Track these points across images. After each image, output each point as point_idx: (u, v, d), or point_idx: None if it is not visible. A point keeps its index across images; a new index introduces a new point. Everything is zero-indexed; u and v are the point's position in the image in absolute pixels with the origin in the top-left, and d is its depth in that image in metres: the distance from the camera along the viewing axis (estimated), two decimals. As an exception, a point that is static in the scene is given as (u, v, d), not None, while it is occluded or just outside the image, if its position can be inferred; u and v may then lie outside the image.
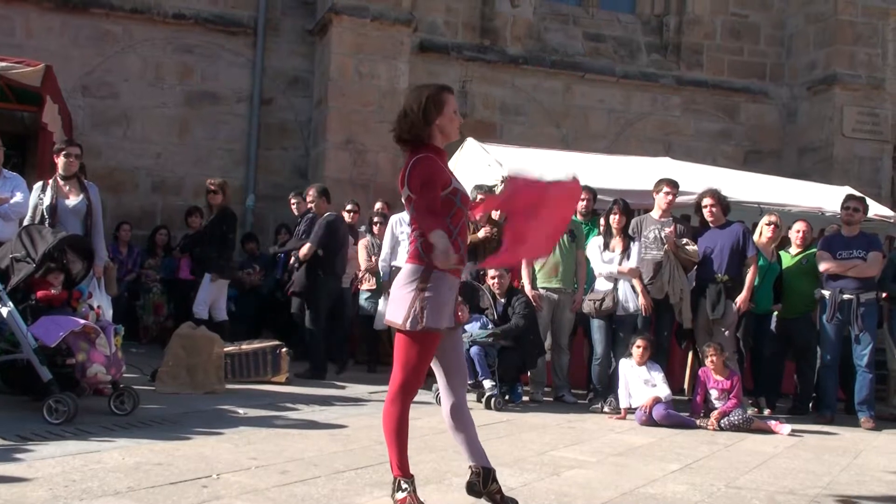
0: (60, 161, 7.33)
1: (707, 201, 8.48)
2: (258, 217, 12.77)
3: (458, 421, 4.16)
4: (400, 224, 9.29)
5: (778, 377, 9.20)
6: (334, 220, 9.11)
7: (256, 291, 11.57)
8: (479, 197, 8.67)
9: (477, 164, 9.93)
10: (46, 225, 6.88)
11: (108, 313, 6.97)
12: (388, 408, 4.11)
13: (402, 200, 4.11)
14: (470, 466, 4.20)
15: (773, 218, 9.05)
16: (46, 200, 7.22)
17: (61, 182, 7.33)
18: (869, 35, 14.54)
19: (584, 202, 8.84)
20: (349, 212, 10.73)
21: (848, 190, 9.91)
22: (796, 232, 9.17)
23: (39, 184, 7.38)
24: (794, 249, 9.15)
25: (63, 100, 10.30)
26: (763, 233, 8.89)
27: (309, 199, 9.39)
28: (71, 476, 4.32)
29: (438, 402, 7.55)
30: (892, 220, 10.48)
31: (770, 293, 8.94)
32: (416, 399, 8.16)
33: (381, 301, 9.54)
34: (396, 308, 4.00)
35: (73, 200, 7.32)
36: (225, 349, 8.10)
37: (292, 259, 10.78)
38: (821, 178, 13.25)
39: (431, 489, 4.59)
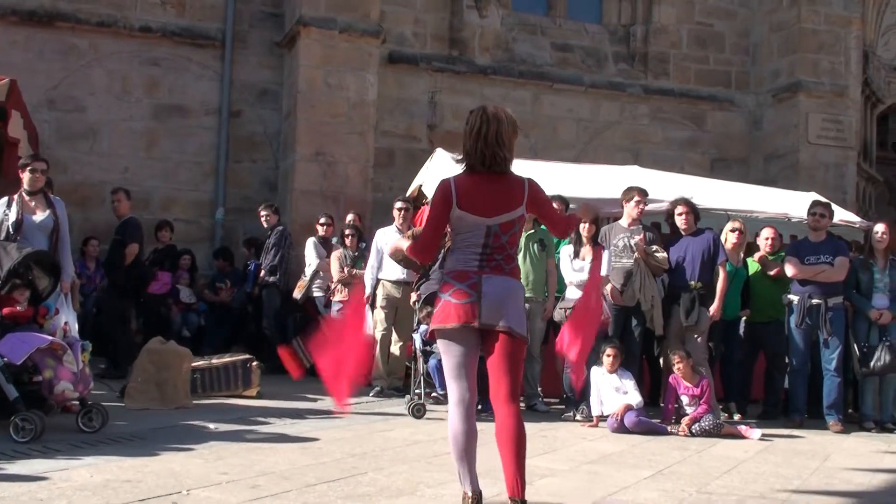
0: (26, 176, 7.24)
1: (681, 209, 8.57)
2: (228, 230, 12.69)
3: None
4: (384, 236, 9.29)
5: (747, 382, 9.29)
6: (137, 220, 9.83)
7: (227, 306, 11.50)
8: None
9: (445, 175, 9.92)
10: (12, 241, 6.80)
11: (75, 329, 6.89)
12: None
13: (509, 219, 4.12)
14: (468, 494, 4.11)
15: (737, 224, 9.14)
16: (12, 216, 7.13)
17: (27, 197, 7.24)
18: (832, 43, 14.74)
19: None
20: (322, 225, 10.72)
21: (814, 196, 10.02)
22: (765, 239, 9.26)
23: (5, 199, 7.28)
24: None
25: (28, 114, 10.19)
26: (728, 239, 8.96)
27: (116, 201, 9.74)
28: (38, 495, 4.27)
29: (412, 413, 7.62)
30: (857, 226, 10.60)
31: (738, 299, 9.02)
32: (388, 410, 8.17)
33: (366, 313, 9.50)
34: (519, 317, 4.12)
35: (39, 216, 7.24)
36: (195, 363, 8.06)
37: (262, 272, 10.79)
38: (787, 184, 13.40)
39: (404, 500, 4.59)
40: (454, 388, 4.15)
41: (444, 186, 4.21)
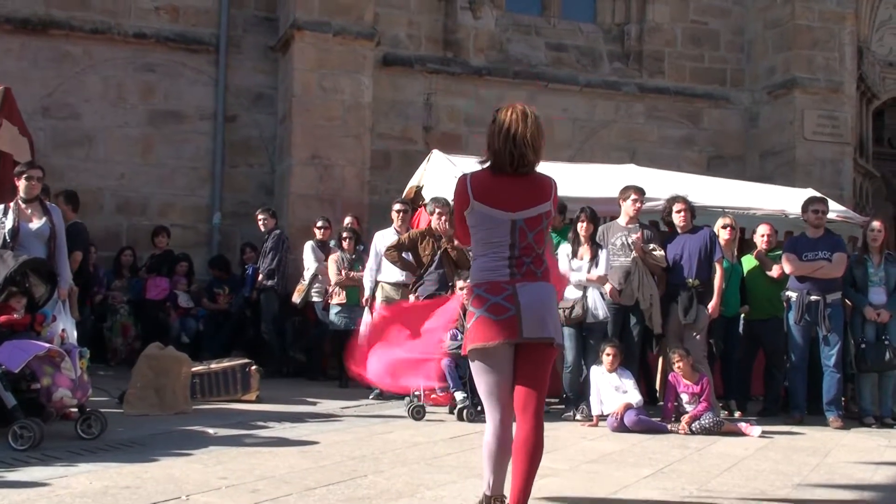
0: (22, 184, 7.22)
1: (679, 206, 8.57)
2: (225, 235, 12.68)
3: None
4: (383, 239, 9.30)
5: (747, 379, 9.29)
6: (81, 225, 9.26)
7: (225, 311, 11.49)
8: (437, 210, 8.72)
9: (443, 177, 9.93)
10: (8, 249, 6.78)
11: (73, 336, 6.88)
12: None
13: (534, 214, 3.97)
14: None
15: (727, 220, 9.16)
16: (8, 224, 7.11)
17: (23, 205, 7.23)
18: (826, 39, 14.74)
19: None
20: (320, 228, 10.74)
21: (811, 192, 10.02)
22: (761, 236, 9.27)
23: (0, 207, 7.28)
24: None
25: (23, 122, 10.17)
26: (720, 235, 8.96)
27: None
28: (37, 503, 4.25)
29: (411, 415, 7.61)
30: (853, 221, 10.60)
31: (737, 295, 9.03)
32: (388, 413, 8.16)
33: (365, 316, 9.51)
34: (556, 324, 4.00)
35: (35, 223, 7.22)
36: (194, 369, 8.04)
37: (260, 277, 10.79)
38: (784, 181, 13.41)
39: (404, 502, 4.58)
40: (492, 404, 3.98)
41: (460, 183, 4.04)
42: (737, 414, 8.76)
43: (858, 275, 8.63)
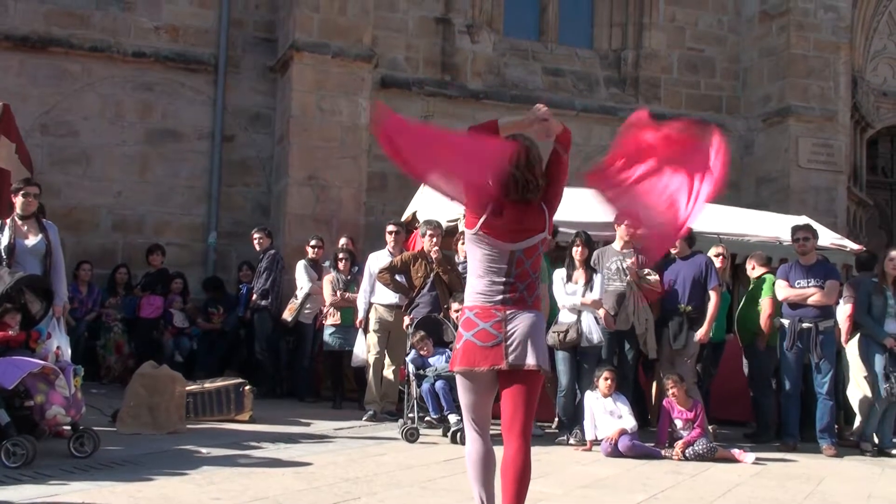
0: (18, 201, 7.25)
1: (672, 233, 8.59)
2: (221, 254, 12.67)
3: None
4: (377, 260, 9.32)
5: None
6: None
7: (219, 331, 11.47)
8: (429, 232, 8.74)
9: (440, 200, 9.94)
10: (4, 265, 6.78)
11: (67, 353, 6.86)
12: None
13: (532, 244, 4.05)
14: None
15: (720, 249, 9.20)
16: (4, 241, 7.12)
17: (19, 222, 7.24)
18: (821, 68, 14.86)
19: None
20: (313, 247, 10.73)
21: (804, 219, 10.06)
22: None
23: (-4, 224, 7.28)
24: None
25: (21, 139, 10.19)
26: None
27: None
28: (29, 521, 4.24)
29: (405, 437, 7.59)
30: (848, 249, 10.64)
31: (724, 322, 9.08)
32: (381, 435, 8.15)
33: (359, 337, 9.50)
34: (542, 352, 4.02)
35: (31, 240, 7.23)
36: (188, 388, 8.02)
37: (254, 296, 10.78)
38: (778, 208, 13.46)
39: (398, 525, 4.57)
40: (471, 420, 4.09)
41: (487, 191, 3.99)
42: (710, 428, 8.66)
43: (877, 304, 8.58)
